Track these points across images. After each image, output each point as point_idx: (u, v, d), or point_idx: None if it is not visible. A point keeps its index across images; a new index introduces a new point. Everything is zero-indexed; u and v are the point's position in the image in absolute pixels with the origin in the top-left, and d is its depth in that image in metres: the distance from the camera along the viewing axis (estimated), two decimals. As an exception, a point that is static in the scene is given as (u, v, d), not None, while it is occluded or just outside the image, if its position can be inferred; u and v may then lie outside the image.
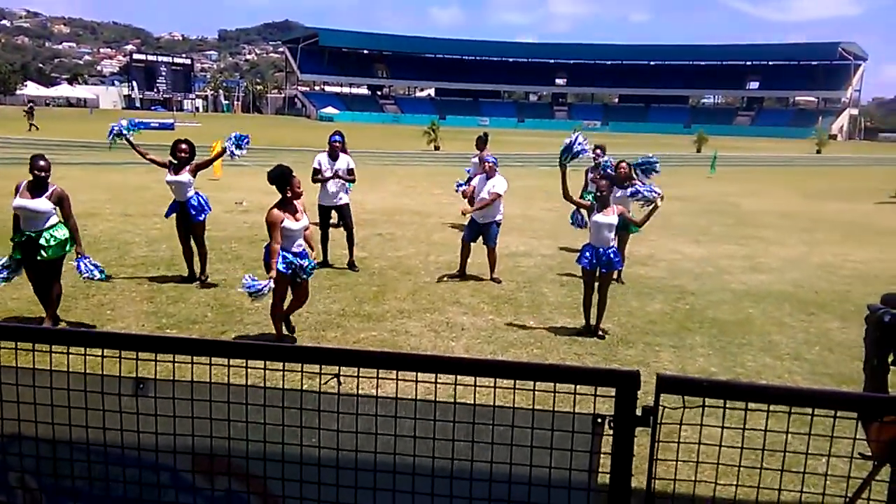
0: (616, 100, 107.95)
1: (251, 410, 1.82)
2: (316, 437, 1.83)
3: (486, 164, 8.76)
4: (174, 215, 7.78)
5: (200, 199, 7.78)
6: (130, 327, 6.27)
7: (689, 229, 13.30)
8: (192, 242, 7.82)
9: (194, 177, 7.72)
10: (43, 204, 5.93)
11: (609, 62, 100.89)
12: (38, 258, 5.90)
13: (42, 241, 5.90)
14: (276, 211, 5.77)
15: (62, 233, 6.04)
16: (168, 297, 7.25)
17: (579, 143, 6.55)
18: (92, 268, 6.33)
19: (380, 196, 16.11)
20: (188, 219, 7.67)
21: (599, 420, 1.56)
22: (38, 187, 5.95)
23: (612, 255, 6.60)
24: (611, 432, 1.55)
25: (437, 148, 33.74)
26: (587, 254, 6.60)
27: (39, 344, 1.84)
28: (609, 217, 6.56)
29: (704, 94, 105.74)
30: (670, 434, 1.68)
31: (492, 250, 8.57)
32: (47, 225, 5.97)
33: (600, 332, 6.58)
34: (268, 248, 5.85)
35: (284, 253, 5.76)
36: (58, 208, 6.04)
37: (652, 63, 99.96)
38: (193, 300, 7.19)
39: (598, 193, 6.67)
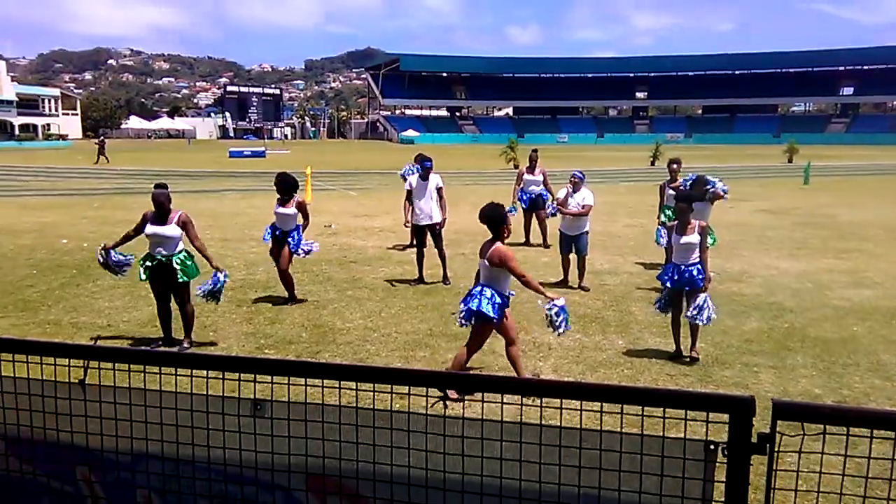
0: (700, 111, 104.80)
1: (349, 430, 1.89)
2: (407, 457, 1.87)
3: (574, 178, 9.17)
4: (271, 241, 8.21)
5: (300, 236, 8.18)
6: (232, 347, 6.58)
7: (785, 243, 12.70)
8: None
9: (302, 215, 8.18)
10: (171, 230, 6.45)
11: (691, 73, 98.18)
12: (180, 280, 6.40)
13: (176, 265, 6.40)
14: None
15: (190, 258, 6.57)
16: (265, 318, 7.56)
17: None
18: (223, 279, 6.73)
19: (460, 216, 16.21)
20: (285, 245, 8.05)
21: (712, 447, 1.53)
22: (162, 214, 6.47)
23: (694, 272, 6.37)
24: (724, 460, 1.51)
25: (516, 166, 33.72)
26: (669, 272, 6.49)
27: (165, 367, 1.98)
28: (690, 237, 6.42)
29: (794, 101, 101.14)
30: (786, 462, 1.62)
31: (582, 259, 9.13)
32: (177, 249, 6.48)
33: (693, 355, 6.30)
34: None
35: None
36: (184, 233, 6.52)
37: (737, 72, 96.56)
38: (289, 321, 7.47)
39: (678, 216, 6.59)
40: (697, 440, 1.56)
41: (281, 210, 8.04)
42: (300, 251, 8.13)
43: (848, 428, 1.43)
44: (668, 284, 6.45)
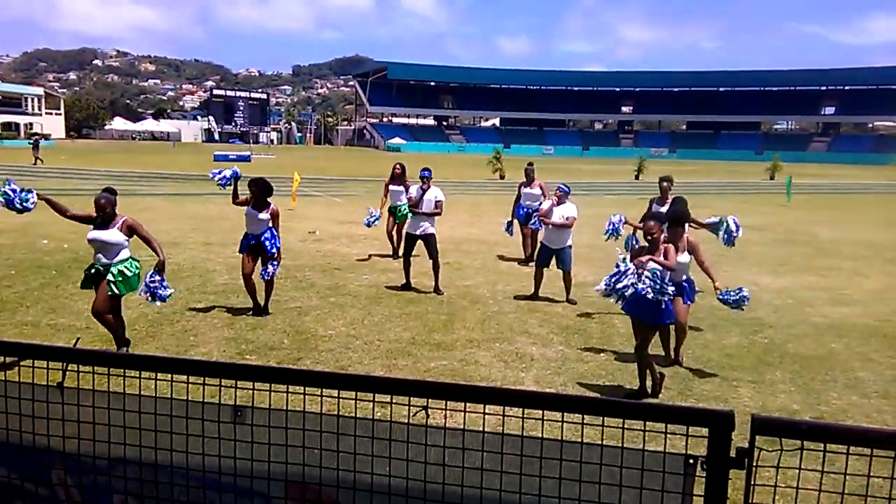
0: (684, 127, 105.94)
1: (328, 438, 1.88)
2: (388, 466, 1.87)
3: (558, 191, 9.09)
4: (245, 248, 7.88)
5: (274, 236, 7.86)
6: (213, 353, 6.52)
7: (766, 259, 12.84)
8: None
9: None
10: (113, 235, 6.03)
11: (676, 89, 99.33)
12: (109, 293, 5.98)
13: (110, 277, 5.98)
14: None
15: (132, 270, 6.11)
16: (247, 324, 7.50)
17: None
18: (157, 287, 6.17)
19: (446, 225, 16.22)
20: (262, 251, 7.76)
21: (691, 461, 1.54)
22: (106, 221, 6.08)
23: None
24: (702, 474, 1.53)
25: (502, 177, 33.87)
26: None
27: (146, 371, 1.96)
28: (683, 255, 6.33)
29: (777, 119, 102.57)
30: (764, 477, 1.64)
31: (567, 274, 9.02)
32: (118, 258, 6.05)
33: (679, 361, 6.54)
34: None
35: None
36: (129, 239, 6.12)
37: (721, 89, 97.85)
38: (271, 327, 7.42)
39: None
40: (677, 454, 1.57)
41: (258, 214, 7.72)
42: (273, 257, 7.76)
43: (825, 444, 1.45)
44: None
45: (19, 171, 29.91)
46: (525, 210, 11.63)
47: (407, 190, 10.99)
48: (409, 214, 10.75)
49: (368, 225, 11.50)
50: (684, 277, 6.54)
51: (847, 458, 1.45)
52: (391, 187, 11.54)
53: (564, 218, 8.90)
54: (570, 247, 9.07)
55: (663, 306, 5.64)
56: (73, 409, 2.04)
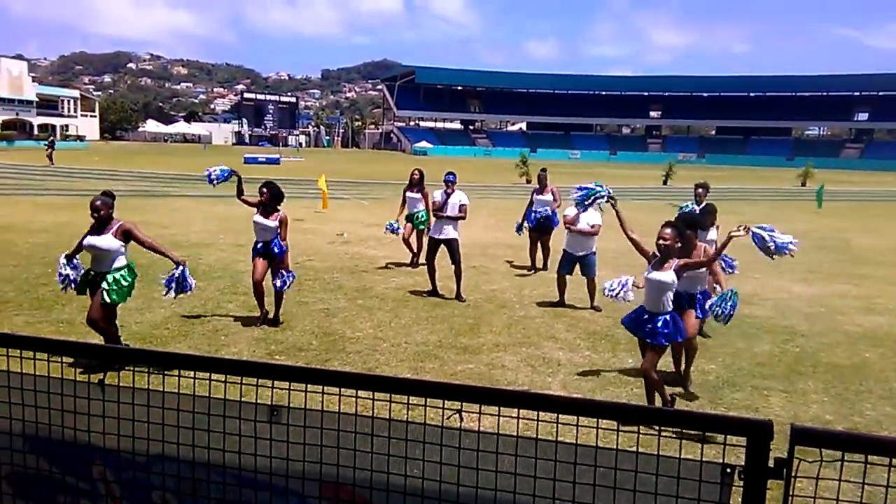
0: (713, 132, 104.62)
1: (362, 439, 1.90)
2: (420, 469, 1.88)
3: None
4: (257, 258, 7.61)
5: (282, 246, 7.56)
6: (242, 352, 6.61)
7: (798, 267, 12.60)
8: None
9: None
10: (107, 241, 5.84)
11: (706, 94, 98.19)
12: (102, 303, 5.81)
13: (105, 285, 5.81)
14: None
15: (129, 279, 5.97)
16: (276, 325, 7.58)
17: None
18: (184, 282, 6.15)
19: (473, 229, 16.26)
20: (272, 257, 7.50)
21: (729, 470, 1.53)
22: (101, 226, 5.90)
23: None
24: (739, 484, 1.52)
25: (528, 181, 33.76)
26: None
27: (184, 370, 2.00)
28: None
29: (808, 125, 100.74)
30: (801, 489, 1.62)
31: (591, 280, 8.91)
32: (115, 266, 5.88)
33: (685, 384, 6.08)
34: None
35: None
36: (125, 245, 5.95)
37: (752, 94, 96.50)
38: (299, 328, 7.49)
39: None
40: (714, 463, 1.56)
41: (265, 221, 7.46)
42: (284, 267, 7.56)
43: (866, 456, 1.43)
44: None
45: (31, 171, 30.60)
46: (537, 216, 11.15)
47: (425, 197, 10.89)
48: (425, 221, 10.75)
49: (393, 231, 11.18)
50: (699, 289, 6.09)
51: (889, 471, 1.42)
52: (408, 194, 11.15)
53: (590, 226, 8.79)
54: (594, 253, 8.98)
55: (660, 325, 5.15)
56: (113, 405, 2.09)
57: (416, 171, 11.12)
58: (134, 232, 5.95)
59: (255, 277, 7.50)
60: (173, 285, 6.18)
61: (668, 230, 5.28)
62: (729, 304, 5.52)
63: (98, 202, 5.88)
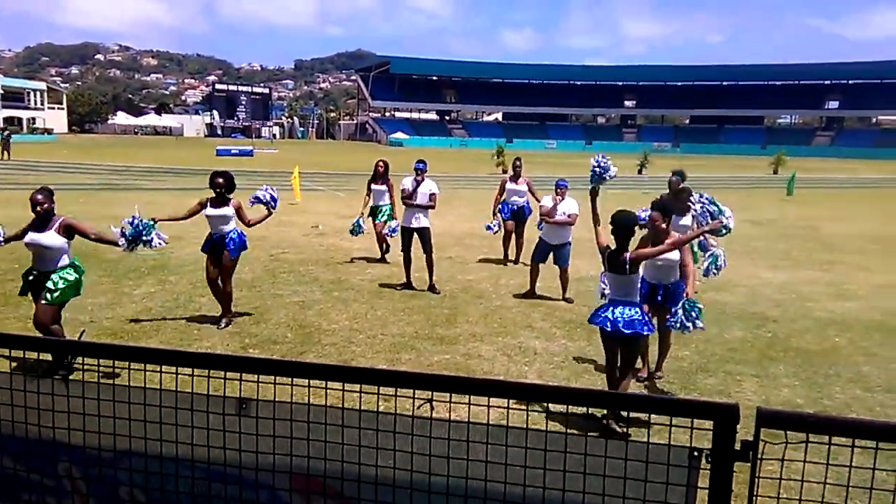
0: (687, 121, 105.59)
1: (333, 431, 1.89)
2: (391, 459, 1.87)
3: (560, 188, 8.97)
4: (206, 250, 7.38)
5: (241, 235, 7.33)
6: (216, 346, 6.54)
7: (768, 254, 12.83)
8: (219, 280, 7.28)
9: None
10: (50, 238, 5.62)
11: (680, 83, 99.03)
12: (44, 301, 5.59)
13: (50, 284, 5.60)
14: None
15: (73, 276, 5.74)
16: (250, 318, 7.52)
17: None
18: (146, 231, 6.12)
19: (449, 219, 16.25)
20: (222, 253, 7.22)
21: (696, 454, 1.54)
22: (42, 222, 5.66)
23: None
24: (707, 467, 1.53)
25: (504, 171, 33.85)
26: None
27: (151, 364, 1.96)
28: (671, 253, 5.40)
29: (780, 113, 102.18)
30: (768, 470, 1.64)
31: (564, 271, 8.86)
32: (59, 265, 5.67)
33: (658, 375, 6.05)
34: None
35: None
36: (69, 241, 5.73)
37: (725, 83, 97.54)
38: (274, 321, 7.43)
39: (650, 226, 5.56)
40: (681, 446, 1.57)
41: (222, 211, 7.10)
42: (234, 248, 7.20)
43: (830, 437, 1.45)
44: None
45: None
46: (511, 207, 10.92)
47: (391, 189, 10.73)
48: (390, 214, 10.64)
49: (354, 234, 10.94)
50: (671, 279, 5.89)
51: (853, 452, 1.45)
52: (373, 186, 10.82)
53: (566, 215, 8.76)
54: (569, 243, 8.92)
55: (620, 317, 4.84)
56: (78, 401, 2.05)
57: (381, 163, 10.81)
58: (76, 225, 5.74)
59: (210, 276, 7.25)
60: (127, 230, 6.01)
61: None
62: (693, 314, 5.41)
63: (40, 196, 5.65)
